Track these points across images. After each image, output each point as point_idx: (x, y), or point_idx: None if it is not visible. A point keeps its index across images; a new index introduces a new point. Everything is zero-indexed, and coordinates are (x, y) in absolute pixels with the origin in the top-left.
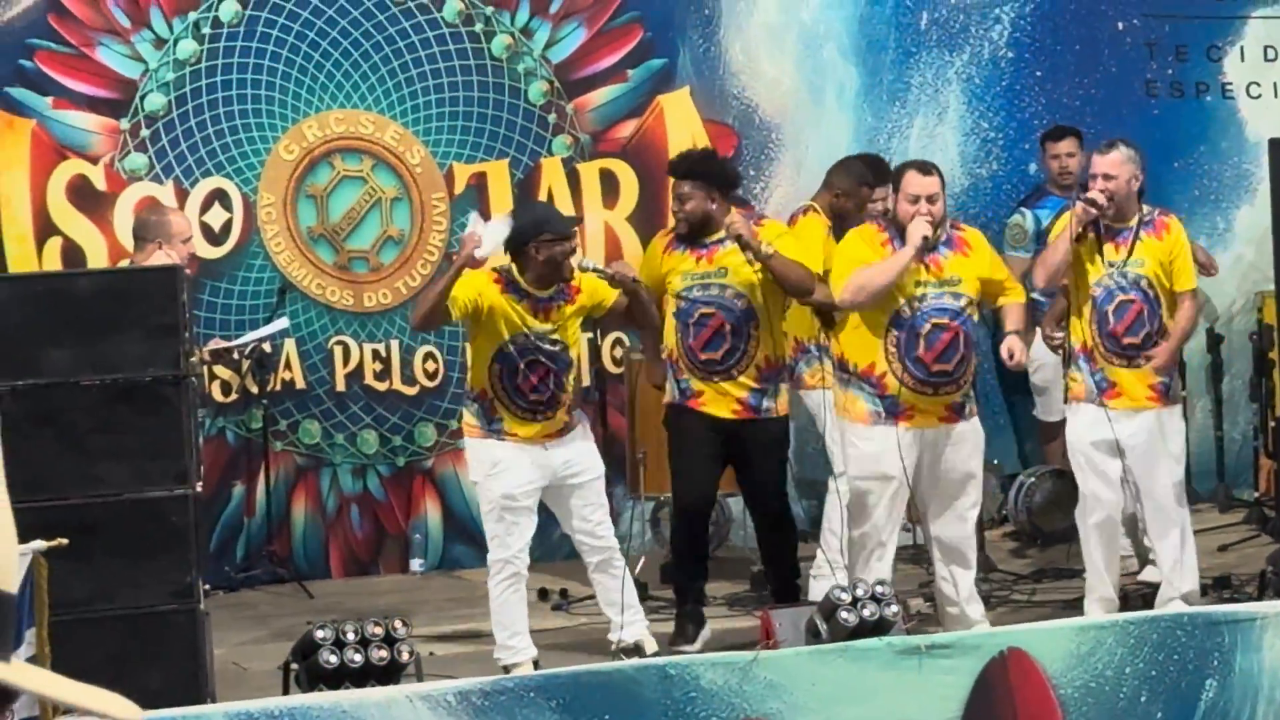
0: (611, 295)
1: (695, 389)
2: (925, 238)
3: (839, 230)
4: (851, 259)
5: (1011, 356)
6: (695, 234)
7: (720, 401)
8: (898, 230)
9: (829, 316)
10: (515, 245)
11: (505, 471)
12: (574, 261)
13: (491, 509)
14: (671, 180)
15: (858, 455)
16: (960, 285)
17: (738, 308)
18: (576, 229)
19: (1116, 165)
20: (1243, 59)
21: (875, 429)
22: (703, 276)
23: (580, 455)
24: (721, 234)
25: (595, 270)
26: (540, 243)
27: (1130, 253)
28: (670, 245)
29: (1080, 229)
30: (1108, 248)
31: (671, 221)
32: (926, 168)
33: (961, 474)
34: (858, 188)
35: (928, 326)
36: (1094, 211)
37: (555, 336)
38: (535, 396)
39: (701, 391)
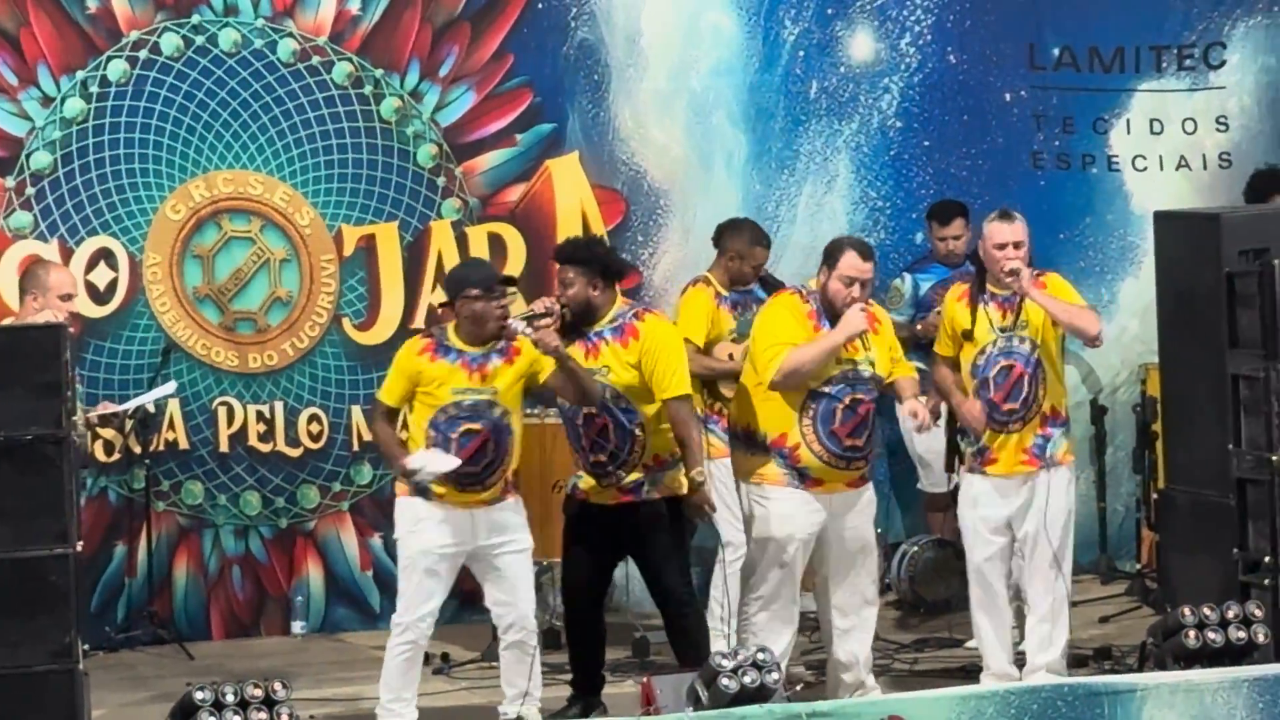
0: (549, 364)
1: (583, 486)
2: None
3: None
4: (777, 334)
5: (915, 415)
6: (577, 323)
7: (604, 493)
8: (824, 305)
9: (714, 386)
10: (449, 301)
11: (427, 530)
12: (510, 323)
13: (408, 566)
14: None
15: (764, 515)
16: (875, 366)
17: (618, 407)
18: (509, 288)
19: (1022, 232)
20: (1129, 131)
21: (787, 490)
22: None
23: (509, 526)
24: (601, 326)
25: (522, 332)
26: (464, 299)
27: (1017, 316)
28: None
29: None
30: (994, 313)
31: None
32: (866, 252)
33: (863, 539)
34: (751, 249)
35: (846, 402)
36: (1024, 283)
37: (493, 399)
38: (468, 469)
39: (589, 487)
